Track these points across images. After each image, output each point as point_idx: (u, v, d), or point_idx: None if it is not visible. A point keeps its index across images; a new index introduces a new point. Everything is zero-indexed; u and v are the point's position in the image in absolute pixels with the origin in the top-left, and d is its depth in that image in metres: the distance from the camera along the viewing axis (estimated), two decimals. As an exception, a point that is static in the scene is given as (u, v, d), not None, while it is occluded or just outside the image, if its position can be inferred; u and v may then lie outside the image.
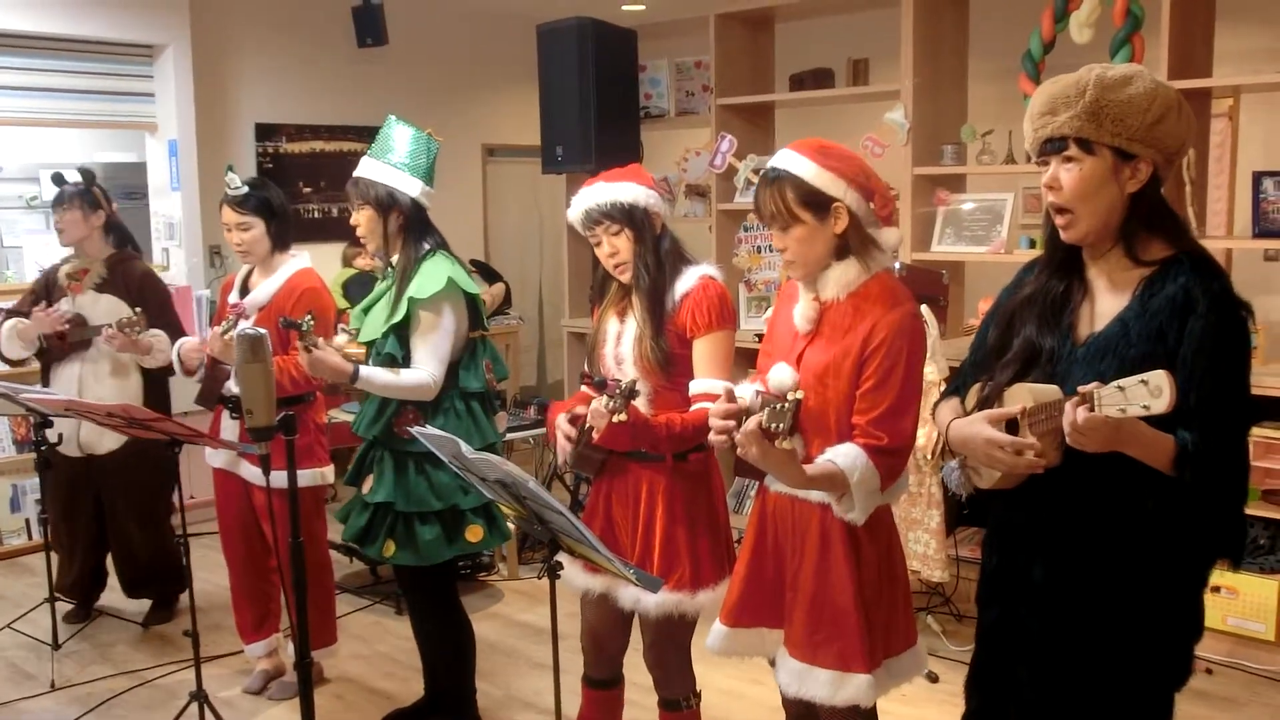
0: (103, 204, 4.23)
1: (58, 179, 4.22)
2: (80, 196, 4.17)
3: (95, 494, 4.33)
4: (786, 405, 2.02)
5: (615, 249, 2.64)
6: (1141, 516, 1.87)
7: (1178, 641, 1.96)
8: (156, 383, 4.29)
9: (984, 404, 2.03)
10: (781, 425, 2.01)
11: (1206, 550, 1.94)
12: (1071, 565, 1.95)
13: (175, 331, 4.16)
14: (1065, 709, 1.99)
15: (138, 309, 3.95)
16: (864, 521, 2.20)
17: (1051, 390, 1.87)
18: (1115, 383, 1.67)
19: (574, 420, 2.68)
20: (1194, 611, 1.97)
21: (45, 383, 4.30)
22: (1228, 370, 1.83)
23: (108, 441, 4.19)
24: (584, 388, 2.79)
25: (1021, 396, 1.92)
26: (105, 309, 4.14)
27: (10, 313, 4.28)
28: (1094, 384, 1.71)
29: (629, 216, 2.62)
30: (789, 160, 2.27)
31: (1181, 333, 1.83)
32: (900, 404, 2.18)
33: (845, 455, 2.15)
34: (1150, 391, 1.62)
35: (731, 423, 2.15)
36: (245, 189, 3.52)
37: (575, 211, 2.70)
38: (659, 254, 2.64)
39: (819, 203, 2.22)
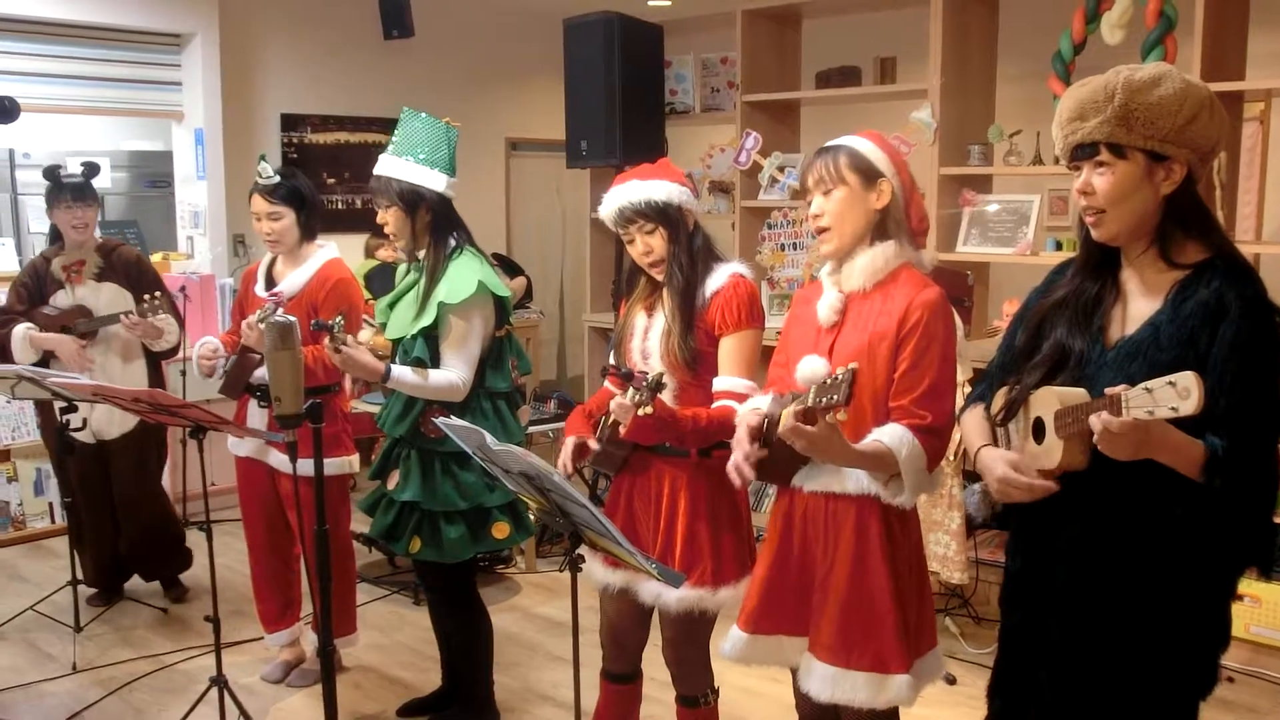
0: (98, 198, 4.31)
1: (51, 173, 4.20)
2: (93, 191, 4.24)
3: (107, 478, 4.38)
4: (840, 377, 1.98)
5: (649, 247, 2.63)
6: (1168, 522, 1.86)
7: (1204, 650, 1.94)
8: (155, 365, 4.36)
9: (1010, 407, 2.01)
10: (837, 397, 1.97)
11: (1234, 558, 1.92)
12: (1095, 570, 1.93)
13: (173, 310, 4.23)
14: (1087, 714, 1.97)
15: (158, 293, 4.01)
16: (913, 504, 2.19)
17: (1079, 394, 1.85)
18: (1142, 384, 1.65)
19: (580, 449, 2.67)
20: (1221, 620, 1.95)
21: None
22: (1259, 376, 1.80)
23: (117, 427, 4.25)
24: (607, 383, 2.80)
25: (1048, 400, 1.90)
26: (108, 297, 4.18)
27: (4, 313, 4.23)
28: (1121, 386, 1.69)
29: (663, 215, 2.61)
30: (848, 138, 2.34)
31: (1213, 338, 1.80)
32: (939, 384, 2.17)
33: (891, 434, 2.14)
34: (1178, 393, 1.60)
35: (754, 446, 2.21)
36: (277, 178, 3.53)
37: (608, 209, 2.68)
38: (692, 251, 2.63)
39: (867, 172, 2.27)
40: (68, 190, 4.17)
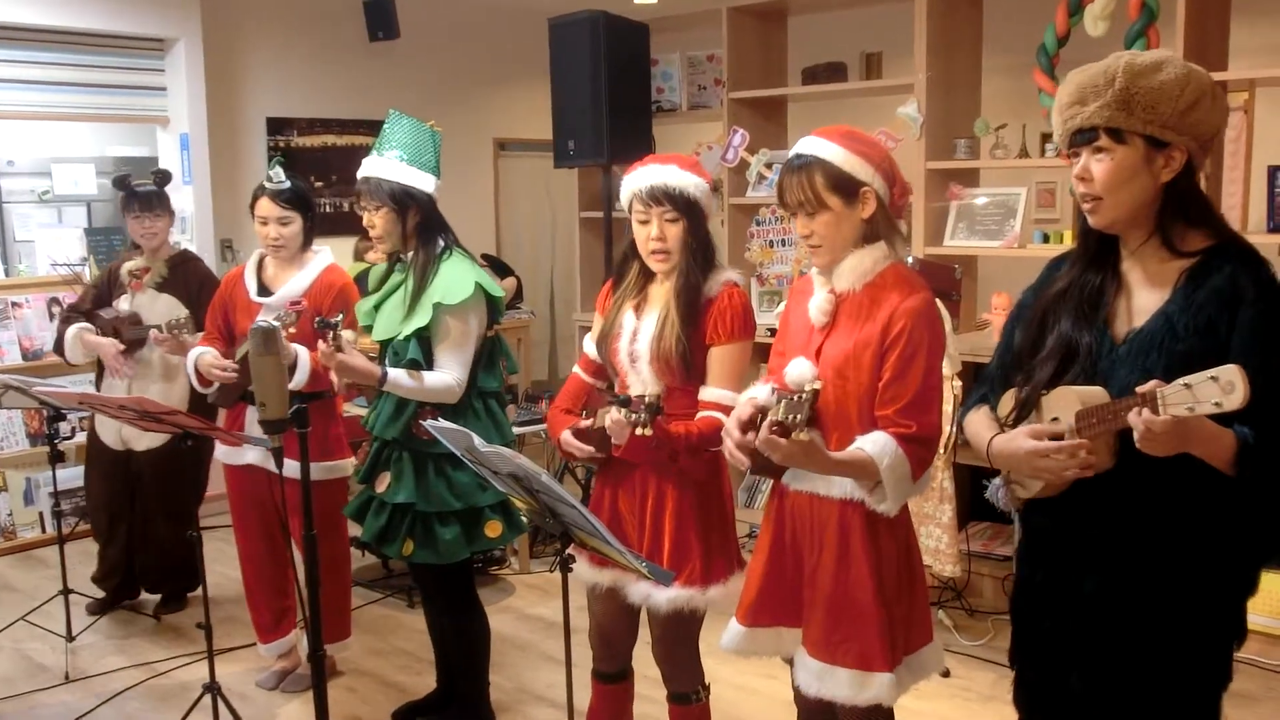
0: (172, 206, 4.28)
1: (122, 182, 4.19)
2: (164, 201, 4.20)
3: (133, 487, 4.34)
4: (804, 396, 2.00)
5: (664, 235, 2.58)
6: (1197, 519, 1.83)
7: (1225, 644, 1.93)
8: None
9: (1023, 406, 1.97)
10: (799, 416, 1.99)
11: (1261, 549, 1.89)
12: (1125, 573, 1.89)
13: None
14: (1120, 716, 1.94)
15: (186, 313, 3.91)
16: (896, 512, 2.19)
17: (1098, 393, 1.81)
18: (1181, 380, 1.60)
19: (580, 434, 2.65)
20: (1241, 614, 1.94)
21: (99, 381, 4.33)
22: None
23: (148, 439, 4.17)
24: (576, 368, 2.80)
25: (1068, 400, 1.86)
26: (163, 309, 4.12)
27: (71, 310, 4.29)
28: (1154, 383, 1.65)
29: (690, 208, 2.58)
30: (816, 146, 2.25)
31: (1232, 324, 1.77)
32: (925, 394, 2.17)
33: (874, 442, 2.14)
34: (1221, 388, 1.56)
35: (747, 436, 2.16)
36: (288, 182, 3.48)
37: (639, 184, 2.59)
38: (706, 252, 2.62)
39: (847, 188, 2.22)
40: (136, 200, 4.14)
